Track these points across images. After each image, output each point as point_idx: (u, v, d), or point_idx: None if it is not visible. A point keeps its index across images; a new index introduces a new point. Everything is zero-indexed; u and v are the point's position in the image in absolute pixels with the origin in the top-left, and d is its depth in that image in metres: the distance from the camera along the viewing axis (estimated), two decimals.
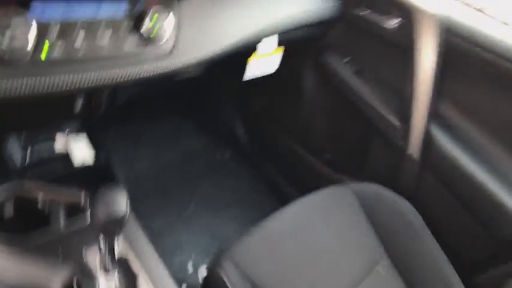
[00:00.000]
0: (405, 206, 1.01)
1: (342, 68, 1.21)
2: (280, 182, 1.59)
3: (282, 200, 1.54)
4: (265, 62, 1.08)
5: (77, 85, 0.65)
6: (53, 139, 0.99)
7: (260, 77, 1.13)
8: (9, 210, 0.82)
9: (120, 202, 0.58)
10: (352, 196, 1.01)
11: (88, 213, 0.81)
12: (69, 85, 0.64)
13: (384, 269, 0.93)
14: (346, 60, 1.21)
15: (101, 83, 0.68)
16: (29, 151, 0.93)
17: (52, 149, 0.97)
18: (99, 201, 0.58)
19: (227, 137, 1.76)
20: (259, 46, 1.01)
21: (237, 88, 1.67)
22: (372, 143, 1.21)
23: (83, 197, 0.84)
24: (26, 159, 0.93)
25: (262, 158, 1.67)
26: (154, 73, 0.74)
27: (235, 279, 0.81)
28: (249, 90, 1.64)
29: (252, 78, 1.08)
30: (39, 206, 0.82)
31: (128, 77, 0.71)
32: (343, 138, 1.34)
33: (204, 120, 1.79)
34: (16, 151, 0.92)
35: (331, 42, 1.23)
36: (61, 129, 1.00)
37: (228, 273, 0.81)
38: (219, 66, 0.91)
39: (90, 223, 0.79)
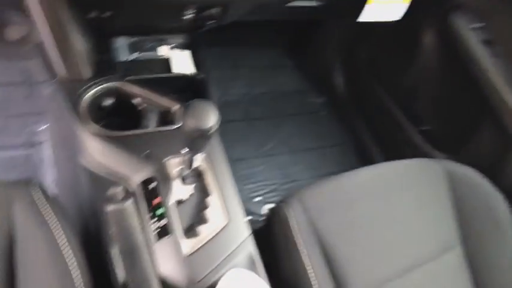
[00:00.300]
0: (498, 201, 0.93)
1: (470, 34, 1.10)
2: (368, 141, 1.54)
3: (365, 159, 1.49)
4: (385, 8, 0.99)
5: None
6: (157, 49, 1.02)
7: (373, 26, 1.06)
8: (106, 105, 0.87)
9: (210, 118, 0.58)
10: (443, 174, 0.94)
11: (178, 122, 0.84)
12: None
13: (454, 258, 0.88)
14: (476, 26, 1.09)
15: None
16: (133, 54, 0.97)
17: (155, 55, 1.00)
18: (190, 113, 0.58)
19: (324, 82, 1.70)
20: None
21: (345, 34, 1.59)
22: (481, 123, 1.12)
23: (176, 106, 0.87)
24: (129, 60, 0.97)
25: (355, 112, 1.61)
26: None
27: (299, 219, 0.80)
28: (358, 39, 1.55)
29: (367, 21, 1.00)
30: (135, 105, 0.87)
31: None
32: (450, 111, 1.25)
33: (304, 60, 1.74)
34: (121, 52, 0.97)
35: (464, 3, 1.11)
36: (167, 43, 1.03)
37: (294, 212, 0.81)
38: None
39: (178, 132, 0.81)
